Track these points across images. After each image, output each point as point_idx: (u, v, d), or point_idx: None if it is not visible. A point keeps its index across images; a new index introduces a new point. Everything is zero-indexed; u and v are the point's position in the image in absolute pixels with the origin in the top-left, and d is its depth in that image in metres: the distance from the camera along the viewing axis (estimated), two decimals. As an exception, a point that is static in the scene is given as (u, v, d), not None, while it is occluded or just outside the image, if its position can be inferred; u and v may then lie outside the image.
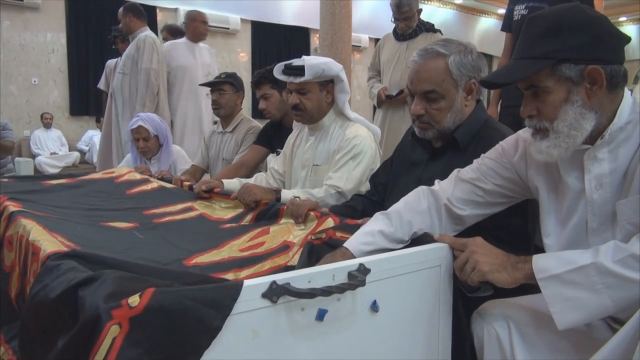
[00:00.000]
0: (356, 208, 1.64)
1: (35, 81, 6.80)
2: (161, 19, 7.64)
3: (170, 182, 2.23)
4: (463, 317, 1.11)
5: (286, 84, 2.01)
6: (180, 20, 7.33)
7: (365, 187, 1.87)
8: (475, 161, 1.25)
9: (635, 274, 0.84)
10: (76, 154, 7.06)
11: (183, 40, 4.11)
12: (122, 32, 4.27)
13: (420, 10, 3.25)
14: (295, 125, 2.19)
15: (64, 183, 2.16)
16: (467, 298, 1.10)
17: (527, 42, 1.03)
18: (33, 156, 6.65)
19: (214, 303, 0.76)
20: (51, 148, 6.83)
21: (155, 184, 2.19)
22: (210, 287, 0.79)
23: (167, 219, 1.74)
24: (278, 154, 2.34)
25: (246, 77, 5.76)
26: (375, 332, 0.98)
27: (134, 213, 1.79)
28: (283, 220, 1.57)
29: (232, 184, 2.03)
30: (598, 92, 0.97)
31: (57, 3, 6.83)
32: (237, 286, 0.79)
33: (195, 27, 4.07)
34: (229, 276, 1.25)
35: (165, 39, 4.35)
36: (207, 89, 3.22)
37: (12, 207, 1.53)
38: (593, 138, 1.00)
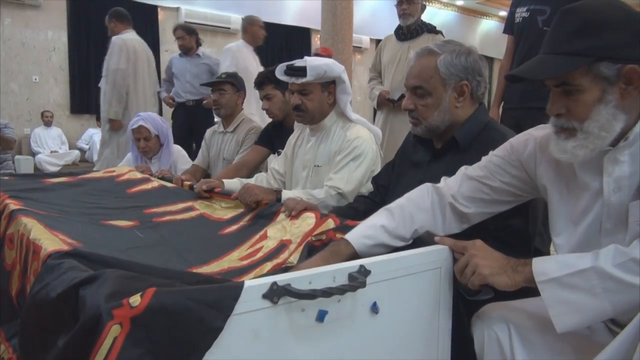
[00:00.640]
0: (358, 209, 1.64)
1: (36, 79, 6.81)
2: (163, 18, 7.65)
3: (170, 181, 2.23)
4: (464, 319, 1.12)
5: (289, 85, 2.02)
6: (182, 19, 7.35)
7: (366, 188, 1.87)
8: (483, 158, 1.23)
9: (635, 278, 0.84)
10: (76, 152, 7.06)
11: (242, 43, 4.19)
12: None
13: (424, 6, 3.24)
14: (296, 126, 2.19)
15: (65, 182, 2.17)
16: (467, 301, 1.10)
17: (562, 36, 0.96)
18: (33, 154, 6.66)
19: (215, 303, 0.76)
20: (51, 146, 6.83)
21: (155, 183, 2.19)
22: (212, 288, 0.79)
23: (167, 218, 1.74)
24: (279, 154, 2.34)
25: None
26: (375, 334, 0.98)
27: (135, 211, 1.79)
28: (279, 219, 1.58)
29: (233, 184, 2.03)
30: (633, 93, 0.93)
31: (59, 1, 6.83)
32: (238, 287, 0.79)
33: (255, 32, 4.18)
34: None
35: (180, 38, 4.37)
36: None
37: (13, 205, 1.54)
38: (616, 139, 0.96)
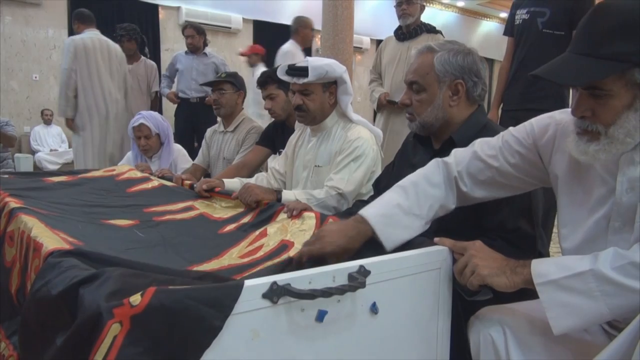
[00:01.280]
0: None
1: (36, 77, 6.80)
2: (163, 17, 7.64)
3: (170, 180, 2.23)
4: (462, 320, 1.12)
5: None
6: (182, 19, 7.35)
7: (366, 188, 1.88)
8: (498, 135, 1.22)
9: (633, 282, 0.84)
10: (76, 151, 7.05)
11: (294, 44, 4.30)
12: (128, 31, 4.30)
13: (423, 7, 3.25)
14: (297, 126, 2.20)
15: (65, 180, 2.17)
16: (466, 302, 1.10)
17: (595, 37, 0.92)
18: (33, 152, 6.66)
19: (215, 303, 0.76)
20: (51, 144, 6.83)
21: (156, 182, 2.19)
22: (212, 287, 0.79)
23: (167, 217, 1.74)
24: (280, 154, 2.34)
25: (247, 76, 5.75)
26: (375, 334, 0.98)
27: (135, 210, 1.79)
28: (279, 218, 1.58)
29: (233, 183, 2.03)
30: None
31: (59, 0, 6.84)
32: (238, 286, 0.79)
33: (306, 34, 4.31)
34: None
35: (190, 36, 4.39)
36: None
37: (13, 203, 1.54)
38: None
